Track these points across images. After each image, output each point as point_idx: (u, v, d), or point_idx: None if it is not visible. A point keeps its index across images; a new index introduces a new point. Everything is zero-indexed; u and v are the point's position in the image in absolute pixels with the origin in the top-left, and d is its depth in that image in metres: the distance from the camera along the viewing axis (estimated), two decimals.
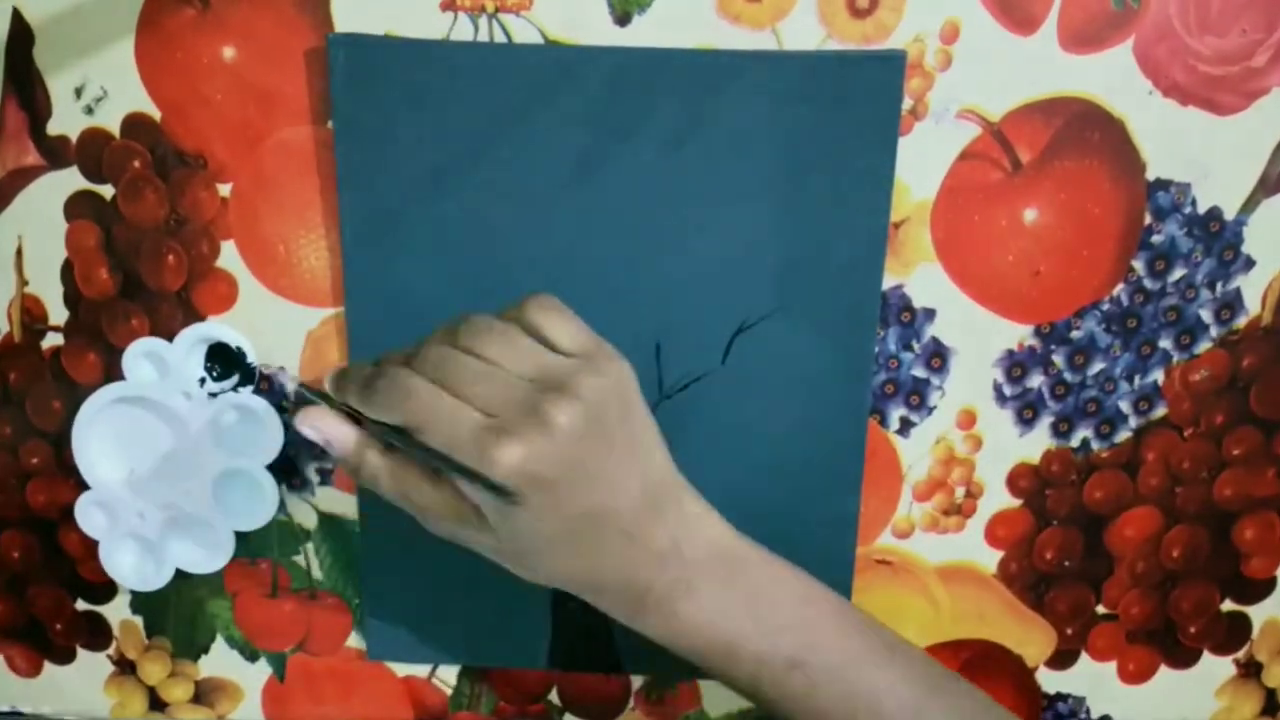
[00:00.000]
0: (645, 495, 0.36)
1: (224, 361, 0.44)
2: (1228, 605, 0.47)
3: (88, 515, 0.46)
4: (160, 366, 0.44)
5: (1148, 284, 0.42)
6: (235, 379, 0.44)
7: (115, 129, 0.42)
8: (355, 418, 0.37)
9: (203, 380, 0.44)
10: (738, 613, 0.37)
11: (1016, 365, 0.43)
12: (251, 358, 0.44)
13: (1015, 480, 0.45)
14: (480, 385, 0.34)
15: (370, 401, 0.35)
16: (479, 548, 0.37)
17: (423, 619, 0.47)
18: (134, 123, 0.42)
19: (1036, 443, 0.45)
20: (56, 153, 0.43)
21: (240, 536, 0.47)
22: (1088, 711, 0.49)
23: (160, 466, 0.46)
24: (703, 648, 0.38)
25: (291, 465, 0.46)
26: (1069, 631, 0.47)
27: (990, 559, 0.46)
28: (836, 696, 0.37)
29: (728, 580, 0.38)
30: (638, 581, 0.37)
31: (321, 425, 0.37)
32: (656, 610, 0.37)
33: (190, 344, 0.44)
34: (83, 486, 0.46)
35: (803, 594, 0.39)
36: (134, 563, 0.47)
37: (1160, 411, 0.44)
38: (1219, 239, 0.42)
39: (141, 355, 0.44)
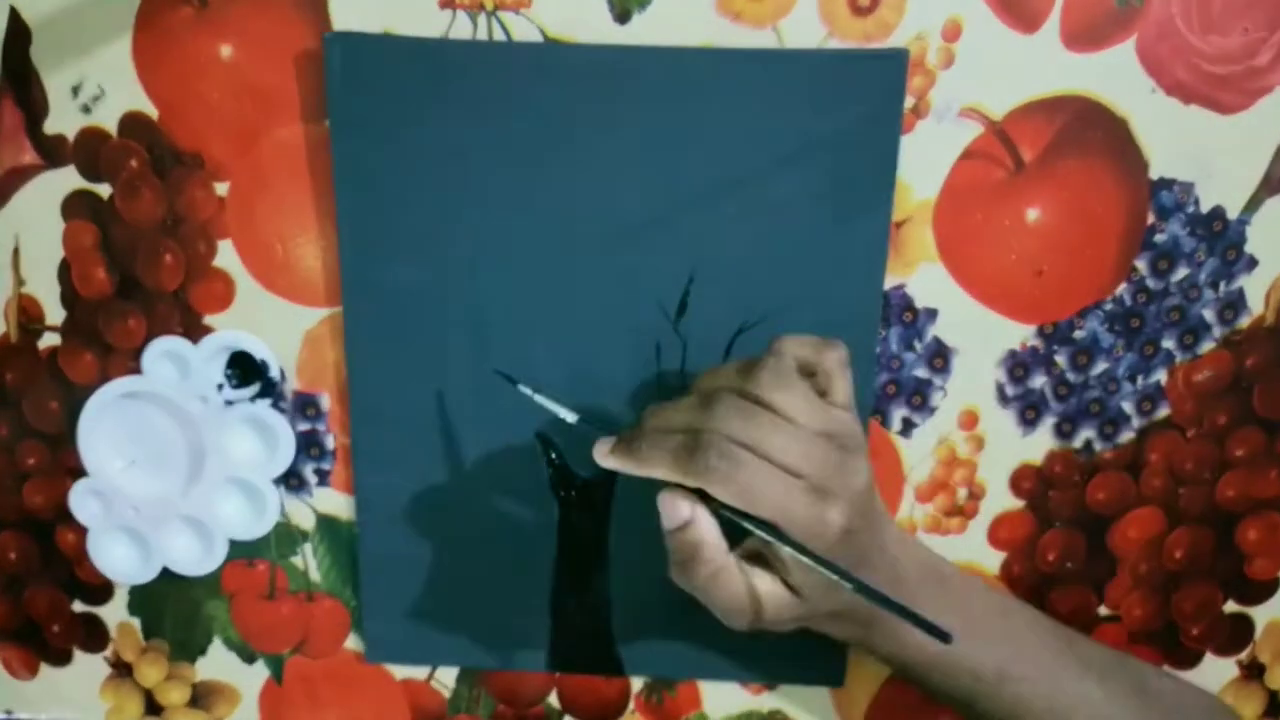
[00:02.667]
0: (878, 526, 0.37)
1: (245, 370, 0.44)
2: (1230, 607, 0.47)
3: (82, 502, 0.46)
4: (181, 367, 0.44)
5: (1151, 284, 0.42)
6: (255, 389, 0.44)
7: (112, 128, 0.42)
8: None
9: (221, 386, 0.44)
10: (954, 628, 0.37)
11: (1019, 365, 0.43)
12: (274, 371, 0.44)
13: (1018, 481, 0.45)
14: (790, 446, 0.33)
15: (698, 474, 0.33)
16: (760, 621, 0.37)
17: (421, 621, 0.47)
18: (131, 121, 0.42)
19: (1039, 443, 0.44)
20: (53, 152, 0.43)
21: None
22: None
23: (165, 465, 0.46)
24: (925, 663, 0.38)
25: (289, 467, 0.46)
26: None
27: (993, 560, 0.46)
28: (1038, 709, 0.39)
29: (940, 596, 0.38)
30: (872, 607, 0.36)
31: (670, 499, 0.35)
32: (884, 632, 0.38)
33: (214, 349, 0.44)
34: None
35: (1000, 607, 0.40)
36: (121, 554, 0.47)
37: (1163, 412, 0.44)
38: (1222, 238, 0.42)
39: (163, 354, 0.44)
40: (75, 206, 0.43)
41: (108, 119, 0.42)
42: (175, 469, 0.46)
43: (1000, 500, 0.45)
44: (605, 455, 0.36)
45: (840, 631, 0.38)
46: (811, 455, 0.34)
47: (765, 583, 0.36)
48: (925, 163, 0.41)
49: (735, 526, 0.34)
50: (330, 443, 0.46)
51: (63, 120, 0.42)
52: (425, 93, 0.40)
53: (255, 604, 0.48)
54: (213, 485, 0.45)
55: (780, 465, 0.33)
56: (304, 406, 0.45)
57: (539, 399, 0.39)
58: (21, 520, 0.48)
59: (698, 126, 0.40)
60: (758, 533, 0.34)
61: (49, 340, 0.45)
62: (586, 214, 0.41)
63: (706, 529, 0.35)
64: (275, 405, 0.45)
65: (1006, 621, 0.39)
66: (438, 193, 0.41)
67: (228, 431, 0.45)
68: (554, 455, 0.44)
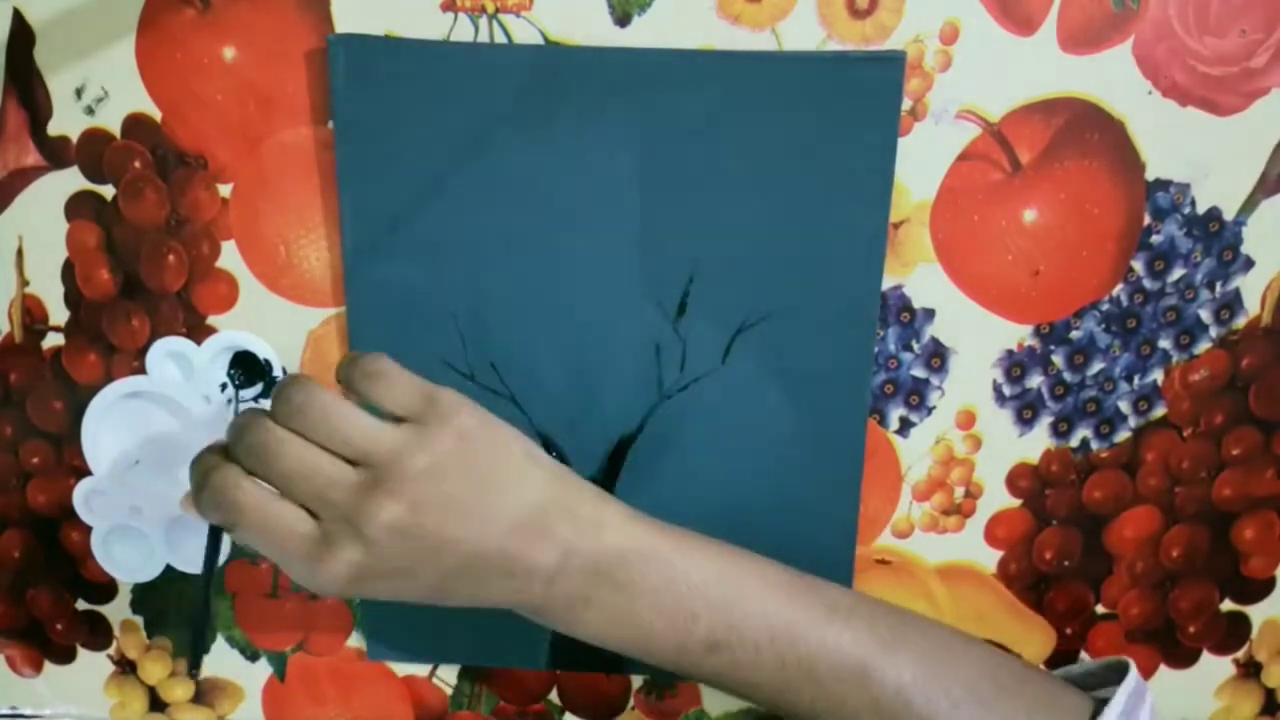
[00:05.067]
0: (521, 527, 0.36)
1: (248, 370, 0.44)
2: (1227, 605, 0.47)
3: (86, 501, 0.46)
4: (185, 367, 0.44)
5: (1147, 284, 0.43)
6: (258, 389, 0.44)
7: (116, 129, 0.42)
8: None
9: (224, 386, 0.44)
10: (644, 613, 0.37)
11: (1016, 365, 0.44)
12: (278, 370, 0.44)
13: (1015, 480, 0.45)
14: (301, 481, 0.33)
15: (201, 505, 0.34)
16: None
17: (423, 619, 0.47)
18: (134, 123, 0.42)
19: (1036, 443, 0.45)
20: (57, 153, 0.43)
21: None
22: None
23: (169, 465, 0.46)
24: (615, 646, 0.38)
25: None
26: (1068, 631, 0.47)
27: (990, 559, 0.46)
28: (767, 668, 0.37)
29: (629, 583, 0.37)
30: (529, 604, 0.37)
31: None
32: (558, 621, 0.38)
33: (217, 349, 0.44)
34: None
35: (719, 575, 0.38)
36: (124, 553, 0.47)
37: (1160, 411, 0.44)
38: (1218, 239, 0.42)
39: (167, 354, 0.44)
40: (79, 207, 0.44)
41: (111, 120, 0.42)
42: (179, 468, 0.46)
43: (997, 499, 0.45)
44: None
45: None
46: (326, 497, 0.33)
47: None
48: (923, 164, 0.41)
49: None
50: None
51: (66, 122, 0.42)
52: (427, 94, 0.40)
53: (258, 602, 0.49)
54: None
55: (291, 498, 0.34)
56: None
57: None
58: (25, 519, 0.48)
59: (697, 128, 0.40)
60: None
61: (53, 340, 0.45)
62: (587, 215, 0.41)
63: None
64: None
65: (724, 590, 0.37)
66: (439, 194, 0.41)
67: None
68: (554, 454, 0.44)
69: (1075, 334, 0.43)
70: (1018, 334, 0.43)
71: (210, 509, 0.34)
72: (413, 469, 0.34)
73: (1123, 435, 0.45)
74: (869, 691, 0.37)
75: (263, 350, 0.44)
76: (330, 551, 0.34)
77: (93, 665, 0.51)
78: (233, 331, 0.44)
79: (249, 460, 0.34)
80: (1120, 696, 0.38)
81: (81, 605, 0.50)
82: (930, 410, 0.44)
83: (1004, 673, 0.39)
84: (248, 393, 0.45)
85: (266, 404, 0.44)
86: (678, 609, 0.37)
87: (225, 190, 0.43)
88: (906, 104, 0.40)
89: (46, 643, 0.50)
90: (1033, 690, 0.38)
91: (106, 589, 0.49)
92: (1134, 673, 0.39)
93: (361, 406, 0.35)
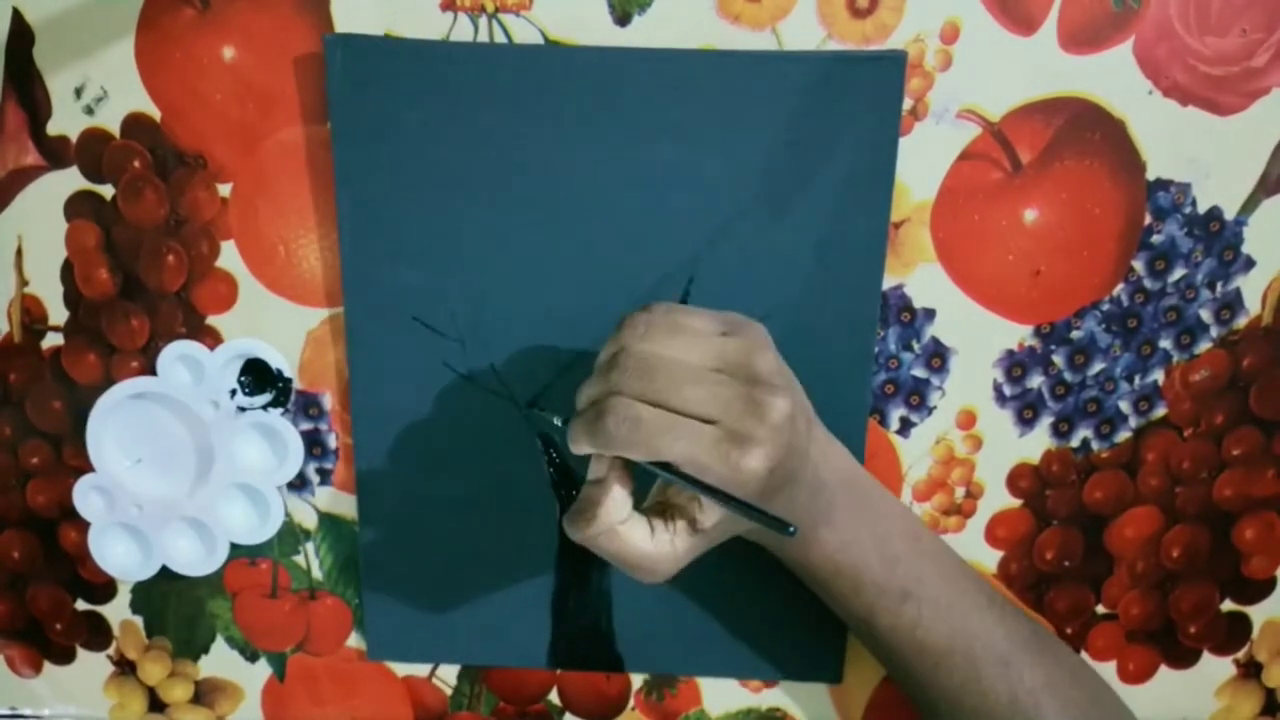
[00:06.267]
0: (805, 444, 0.36)
1: (258, 378, 0.44)
2: (1228, 605, 0.47)
3: (86, 497, 0.46)
4: (196, 371, 0.44)
5: (1148, 284, 0.42)
6: (268, 397, 0.44)
7: (115, 129, 0.42)
8: None
9: (234, 392, 0.44)
10: (864, 540, 0.39)
11: (1016, 365, 0.43)
12: (290, 378, 0.44)
13: (1015, 480, 0.45)
14: (689, 388, 0.33)
15: (605, 442, 0.33)
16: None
17: (422, 619, 0.47)
18: (134, 123, 0.42)
19: (1036, 443, 0.45)
20: (56, 153, 0.43)
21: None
22: None
23: (172, 466, 0.46)
24: (832, 573, 0.39)
25: None
26: (1069, 631, 0.47)
27: (991, 559, 0.46)
28: (939, 633, 0.39)
29: (856, 507, 0.39)
30: (793, 514, 0.37)
31: (595, 458, 0.36)
32: (800, 538, 0.38)
33: (229, 356, 0.44)
34: None
35: (912, 530, 0.40)
36: (121, 551, 0.47)
37: (1160, 411, 0.44)
38: (1219, 239, 0.42)
39: (178, 358, 0.44)
40: (78, 207, 0.44)
41: (110, 120, 0.42)
42: (182, 471, 0.46)
43: (998, 499, 0.45)
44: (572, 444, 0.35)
45: (759, 538, 0.39)
46: (717, 395, 0.33)
47: (662, 543, 0.35)
48: (923, 164, 0.41)
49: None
50: (332, 442, 0.46)
51: (66, 121, 0.42)
52: (426, 94, 0.40)
53: (257, 602, 0.49)
54: (218, 489, 0.46)
55: (688, 414, 0.33)
56: (306, 406, 0.45)
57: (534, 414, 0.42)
58: (24, 519, 0.48)
59: (697, 128, 0.40)
60: (674, 480, 0.33)
61: (52, 340, 0.45)
62: (586, 215, 0.41)
63: (610, 494, 0.35)
64: (286, 414, 0.45)
65: (917, 545, 0.40)
66: (438, 194, 0.41)
67: (237, 438, 0.45)
68: (554, 454, 0.44)
69: (1076, 334, 0.43)
70: (1018, 334, 0.43)
71: (618, 430, 0.33)
72: (766, 364, 0.34)
73: (1123, 435, 0.44)
74: (1009, 684, 0.39)
75: (274, 359, 0.44)
76: (745, 448, 0.33)
77: (92, 665, 0.51)
78: (245, 339, 0.44)
79: (629, 381, 0.33)
80: None
81: (81, 605, 0.50)
82: (931, 410, 0.44)
83: (1113, 706, 0.42)
84: (256, 400, 0.44)
85: (277, 413, 0.44)
86: (886, 546, 0.39)
87: (225, 190, 0.43)
88: (907, 103, 0.40)
89: (46, 643, 0.50)
90: None
91: (106, 589, 0.49)
92: None
93: None
